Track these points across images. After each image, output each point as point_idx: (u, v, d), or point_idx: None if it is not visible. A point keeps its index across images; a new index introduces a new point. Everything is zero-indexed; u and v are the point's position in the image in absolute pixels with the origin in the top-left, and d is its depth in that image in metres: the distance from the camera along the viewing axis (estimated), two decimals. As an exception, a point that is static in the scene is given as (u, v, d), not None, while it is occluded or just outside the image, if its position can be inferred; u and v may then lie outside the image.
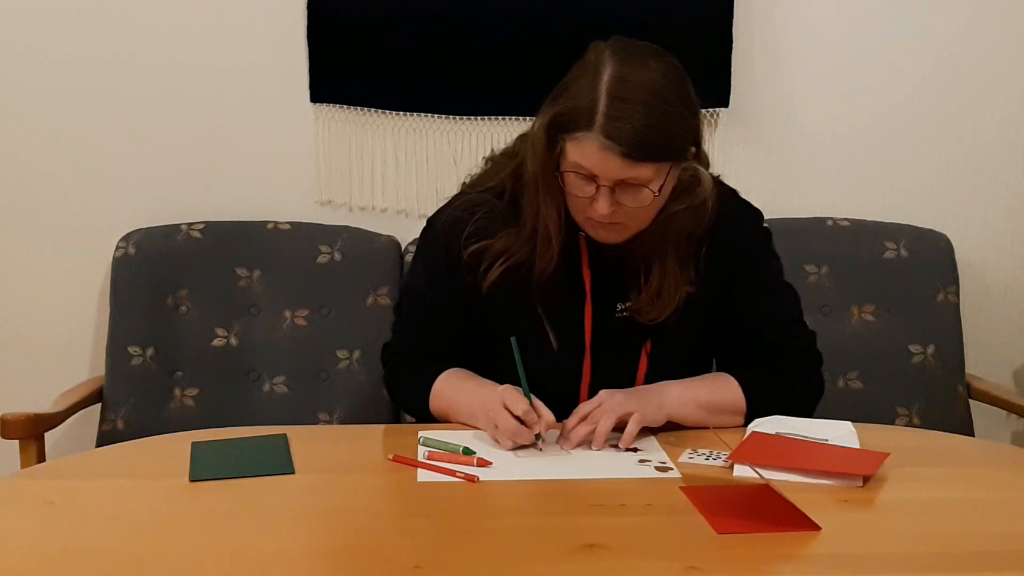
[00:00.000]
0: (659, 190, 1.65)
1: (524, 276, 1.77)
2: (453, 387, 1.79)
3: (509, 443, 1.63)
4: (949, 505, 1.48)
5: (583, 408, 1.68)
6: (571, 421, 1.67)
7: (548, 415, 1.64)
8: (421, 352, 1.86)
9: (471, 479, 1.52)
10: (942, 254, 2.56)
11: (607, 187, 1.63)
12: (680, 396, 1.73)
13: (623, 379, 1.78)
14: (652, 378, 1.79)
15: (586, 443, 1.65)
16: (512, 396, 1.64)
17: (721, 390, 1.77)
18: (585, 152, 1.62)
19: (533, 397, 1.65)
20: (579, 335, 1.80)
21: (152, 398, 2.44)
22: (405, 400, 1.90)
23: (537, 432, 1.62)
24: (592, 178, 1.64)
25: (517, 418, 1.62)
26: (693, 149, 1.71)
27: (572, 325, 1.80)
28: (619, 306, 1.80)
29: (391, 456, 1.60)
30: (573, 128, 1.62)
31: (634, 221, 1.70)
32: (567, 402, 1.76)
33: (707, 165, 1.77)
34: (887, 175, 2.65)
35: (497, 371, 1.77)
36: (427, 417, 1.82)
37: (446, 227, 1.82)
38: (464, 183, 1.87)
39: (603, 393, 1.69)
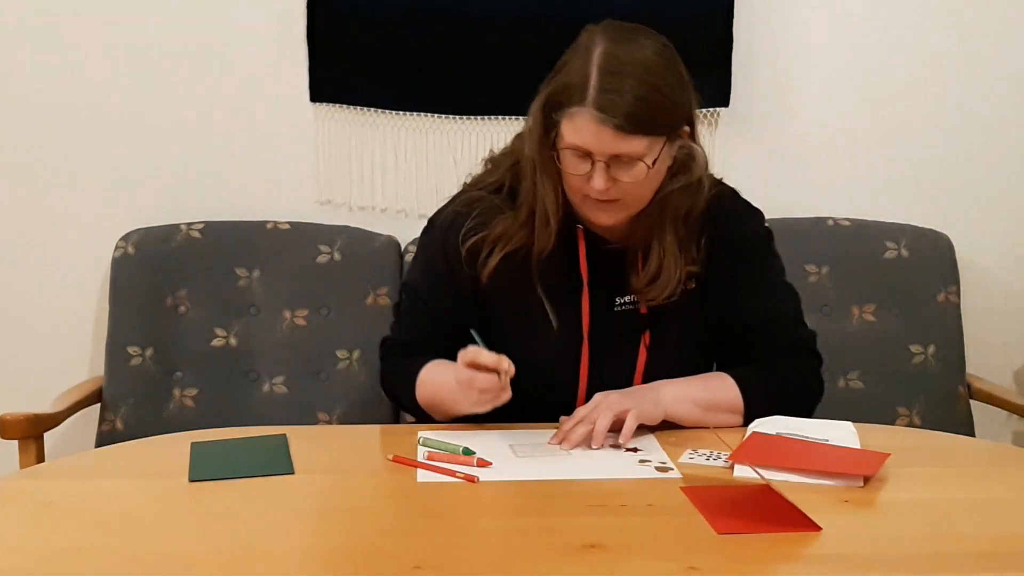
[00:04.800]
0: (653, 163, 1.67)
1: (523, 260, 1.79)
2: (436, 374, 1.78)
3: (489, 397, 1.64)
4: (949, 505, 1.48)
5: (580, 412, 1.68)
6: (568, 424, 1.67)
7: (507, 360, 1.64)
8: (415, 345, 1.87)
9: (471, 479, 1.52)
10: (942, 254, 2.56)
11: (602, 162, 1.66)
12: (676, 394, 1.73)
13: (621, 370, 1.79)
14: (650, 370, 1.80)
15: (586, 443, 1.65)
16: (473, 353, 1.64)
17: (717, 388, 1.77)
18: (579, 127, 1.65)
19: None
20: (577, 322, 1.81)
21: (152, 398, 2.44)
22: (394, 391, 1.90)
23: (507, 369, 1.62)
24: (587, 155, 1.66)
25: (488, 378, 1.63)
26: (687, 128, 1.73)
27: (571, 311, 1.81)
28: (618, 300, 1.81)
29: (391, 456, 1.60)
30: (566, 104, 1.65)
31: (631, 198, 1.71)
32: (566, 392, 1.78)
33: (702, 150, 1.79)
34: (887, 175, 2.65)
35: None
36: (418, 411, 1.83)
37: (445, 223, 1.84)
38: (465, 183, 1.89)
39: (598, 395, 1.70)
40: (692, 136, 1.75)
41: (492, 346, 1.78)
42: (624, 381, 1.76)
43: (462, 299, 1.83)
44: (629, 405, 1.66)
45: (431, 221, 1.88)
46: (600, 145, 1.65)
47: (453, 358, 1.82)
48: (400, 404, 1.91)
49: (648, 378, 1.79)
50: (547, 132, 1.70)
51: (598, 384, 1.76)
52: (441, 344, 1.84)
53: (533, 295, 1.80)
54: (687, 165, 1.75)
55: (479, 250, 1.79)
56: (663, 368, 1.79)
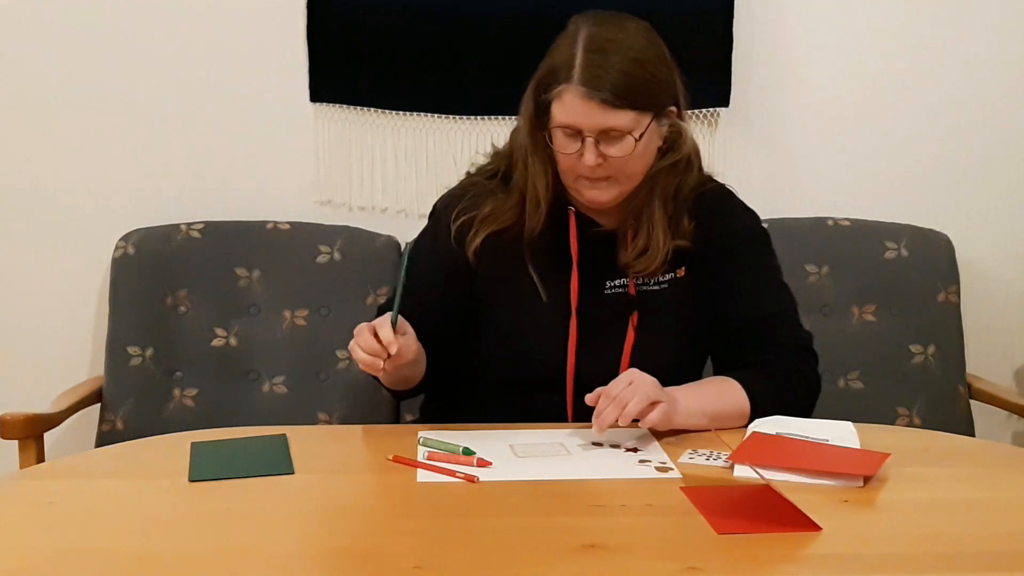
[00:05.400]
0: (640, 137, 1.71)
1: (514, 240, 1.83)
2: None
3: (371, 364, 1.65)
4: (949, 505, 1.48)
5: (612, 389, 1.65)
6: (601, 404, 1.64)
7: (402, 347, 1.65)
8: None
9: (471, 479, 1.52)
10: (942, 254, 2.55)
11: (591, 138, 1.71)
12: (688, 407, 1.71)
13: (609, 349, 1.82)
14: (638, 351, 1.82)
15: (588, 441, 1.66)
16: (379, 324, 1.65)
17: (728, 396, 1.76)
18: (567, 105, 1.71)
19: (401, 320, 1.67)
20: (566, 300, 1.83)
21: (152, 398, 2.44)
22: None
23: (388, 355, 1.64)
24: (577, 132, 1.72)
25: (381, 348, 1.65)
26: (674, 109, 1.78)
27: (560, 290, 1.84)
28: (608, 283, 1.84)
29: (391, 456, 1.60)
30: (554, 84, 1.72)
31: (622, 175, 1.76)
32: (555, 369, 1.81)
33: (689, 129, 1.84)
34: (887, 175, 2.65)
35: (480, 344, 1.84)
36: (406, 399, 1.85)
37: (442, 205, 1.91)
38: (468, 172, 1.94)
39: (633, 372, 1.68)
40: (679, 117, 1.80)
41: (483, 324, 1.84)
42: (612, 360, 1.78)
43: (450, 278, 1.86)
44: (662, 398, 1.65)
45: (433, 206, 1.94)
46: (588, 120, 1.70)
47: (434, 332, 1.83)
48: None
49: (636, 359, 1.80)
50: (538, 115, 1.76)
51: (586, 362, 1.80)
52: (423, 318, 1.84)
53: (524, 273, 1.84)
54: (675, 144, 1.81)
55: (468, 228, 1.84)
56: (651, 350, 1.82)
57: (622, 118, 1.70)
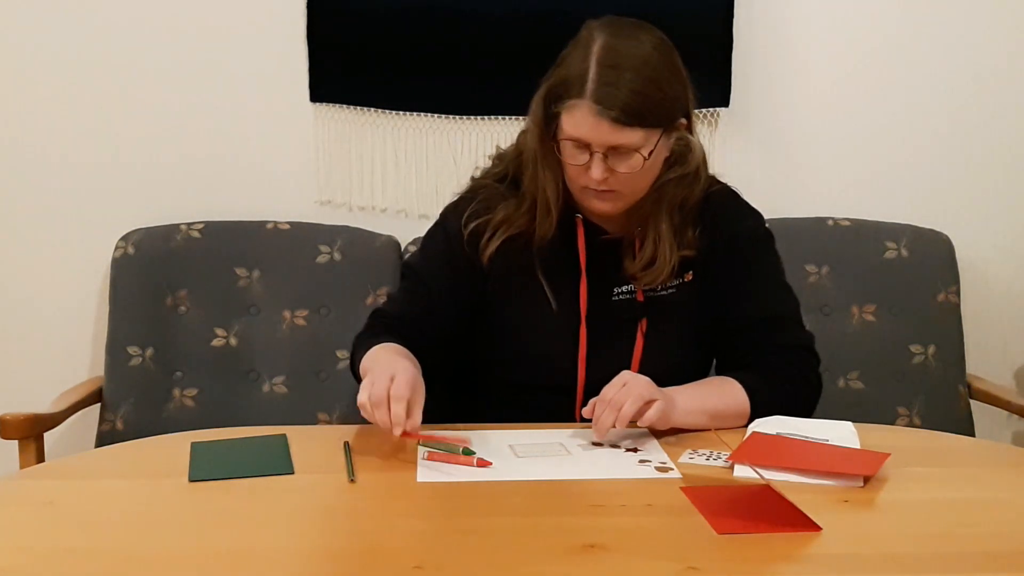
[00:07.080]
0: (649, 155, 1.70)
1: (524, 246, 1.83)
2: (382, 351, 1.74)
3: (377, 409, 1.58)
4: (949, 505, 1.48)
5: (607, 392, 1.65)
6: (598, 410, 1.64)
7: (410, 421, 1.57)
8: (403, 319, 1.86)
9: (484, 464, 1.55)
10: (942, 254, 2.56)
11: (600, 153, 1.70)
12: (687, 406, 1.71)
13: (619, 356, 1.81)
14: (647, 357, 1.82)
15: (588, 441, 1.66)
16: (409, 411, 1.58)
17: (727, 395, 1.76)
18: (577, 119, 1.69)
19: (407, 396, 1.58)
20: (575, 308, 1.83)
21: (151, 398, 2.44)
22: (352, 356, 1.85)
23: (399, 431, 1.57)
24: (586, 146, 1.71)
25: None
26: (684, 120, 1.77)
27: (569, 297, 1.83)
28: (616, 290, 1.84)
29: (399, 433, 1.55)
30: (566, 96, 1.70)
31: (628, 188, 1.75)
32: (565, 376, 1.81)
33: (699, 141, 1.83)
34: (887, 175, 2.65)
35: (487, 348, 1.84)
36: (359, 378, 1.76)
37: (450, 209, 1.90)
38: (473, 176, 1.94)
39: (626, 374, 1.68)
40: (689, 128, 1.80)
41: (492, 328, 1.85)
42: (622, 367, 1.76)
43: (459, 280, 1.85)
44: (657, 396, 1.65)
45: (442, 212, 1.93)
46: (598, 136, 1.69)
47: (441, 335, 1.84)
48: (352, 368, 1.86)
49: (645, 365, 1.80)
50: (547, 124, 1.75)
51: (596, 369, 1.79)
52: (431, 322, 1.85)
53: (533, 280, 1.83)
54: (684, 156, 1.80)
55: (481, 233, 1.83)
56: (660, 356, 1.82)
57: (632, 136, 1.69)
